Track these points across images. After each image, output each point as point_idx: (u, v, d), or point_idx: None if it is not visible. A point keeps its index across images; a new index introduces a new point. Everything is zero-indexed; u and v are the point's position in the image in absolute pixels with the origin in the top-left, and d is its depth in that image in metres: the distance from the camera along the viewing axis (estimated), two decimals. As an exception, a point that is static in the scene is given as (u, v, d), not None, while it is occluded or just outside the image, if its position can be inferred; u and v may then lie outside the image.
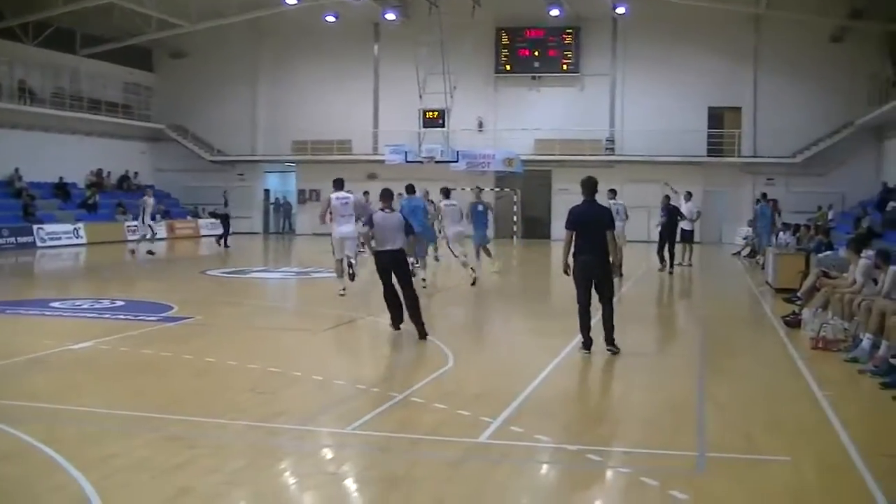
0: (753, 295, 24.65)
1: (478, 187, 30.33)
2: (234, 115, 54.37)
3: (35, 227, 41.17)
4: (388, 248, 15.96)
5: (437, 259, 30.05)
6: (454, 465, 8.61)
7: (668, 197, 31.90)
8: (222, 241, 41.78)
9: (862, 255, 15.80)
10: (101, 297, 21.19)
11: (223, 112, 54.29)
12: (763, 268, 28.92)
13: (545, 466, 8.92)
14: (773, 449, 9.26)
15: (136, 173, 53.45)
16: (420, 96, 44.78)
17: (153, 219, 38.01)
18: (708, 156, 47.99)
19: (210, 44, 52.70)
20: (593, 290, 14.24)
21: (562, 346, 14.77)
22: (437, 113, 45.99)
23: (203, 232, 50.48)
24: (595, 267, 14.10)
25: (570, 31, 49.83)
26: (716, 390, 12.08)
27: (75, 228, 43.18)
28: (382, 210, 16.28)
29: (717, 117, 48.56)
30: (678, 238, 31.10)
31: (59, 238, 41.97)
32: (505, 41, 50.70)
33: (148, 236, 36.81)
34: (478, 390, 11.69)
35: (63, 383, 12.15)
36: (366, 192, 28.67)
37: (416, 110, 46.35)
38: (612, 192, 27.69)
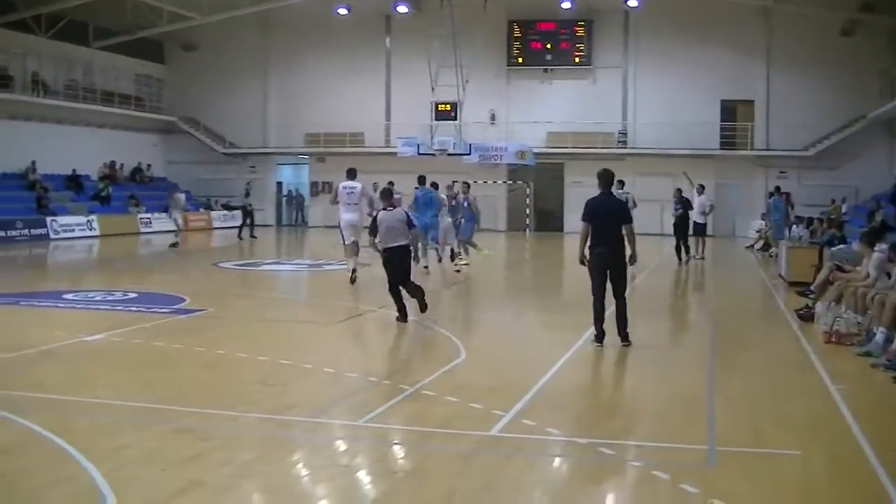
0: (766, 288, 24.60)
1: (465, 182, 30.11)
2: (246, 108, 54.38)
3: (48, 219, 41.25)
4: (392, 244, 16.63)
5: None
6: (466, 459, 8.61)
7: (680, 189, 31.88)
8: (243, 232, 42.02)
9: (875, 248, 15.73)
10: (114, 290, 21.20)
11: (235, 104, 54.30)
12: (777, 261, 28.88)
13: (557, 460, 8.91)
14: (785, 443, 9.24)
15: (148, 165, 53.56)
16: (432, 89, 44.69)
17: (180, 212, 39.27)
18: (720, 149, 47.87)
19: (221, 36, 52.76)
20: (608, 284, 14.22)
21: (574, 339, 14.75)
22: (449, 106, 45.92)
23: (216, 224, 50.47)
24: (610, 259, 14.09)
25: (582, 23, 49.71)
26: (727, 384, 12.05)
27: (88, 220, 43.24)
28: (384, 209, 16.94)
29: (729, 110, 48.41)
30: (691, 231, 31.10)
31: (73, 230, 42.04)
32: (517, 34, 50.59)
33: (175, 229, 37.99)
34: (490, 383, 11.67)
35: (75, 375, 12.17)
36: (375, 183, 28.73)
37: (428, 103, 46.24)
38: (620, 183, 27.74)
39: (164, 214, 46.78)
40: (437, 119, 46.55)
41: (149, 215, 46.97)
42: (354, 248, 22.62)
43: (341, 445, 9.26)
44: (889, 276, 15.02)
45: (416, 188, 27.50)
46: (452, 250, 27.68)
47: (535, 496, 7.88)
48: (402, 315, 16.60)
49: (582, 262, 14.36)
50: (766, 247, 35.82)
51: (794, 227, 30.44)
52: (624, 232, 14.13)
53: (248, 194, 43.54)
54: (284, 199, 56.74)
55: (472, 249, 28.73)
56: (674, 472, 8.07)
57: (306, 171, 55.70)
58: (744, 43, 47.47)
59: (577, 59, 49.99)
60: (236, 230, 42.88)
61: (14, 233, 38.92)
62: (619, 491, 8.05)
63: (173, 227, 38.18)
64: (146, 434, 9.19)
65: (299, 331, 16.83)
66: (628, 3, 47.36)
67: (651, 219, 40.94)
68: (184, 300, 19.50)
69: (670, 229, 31.95)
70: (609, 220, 14.11)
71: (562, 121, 49.00)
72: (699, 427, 9.93)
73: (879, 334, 13.53)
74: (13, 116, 44.25)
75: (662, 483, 7.90)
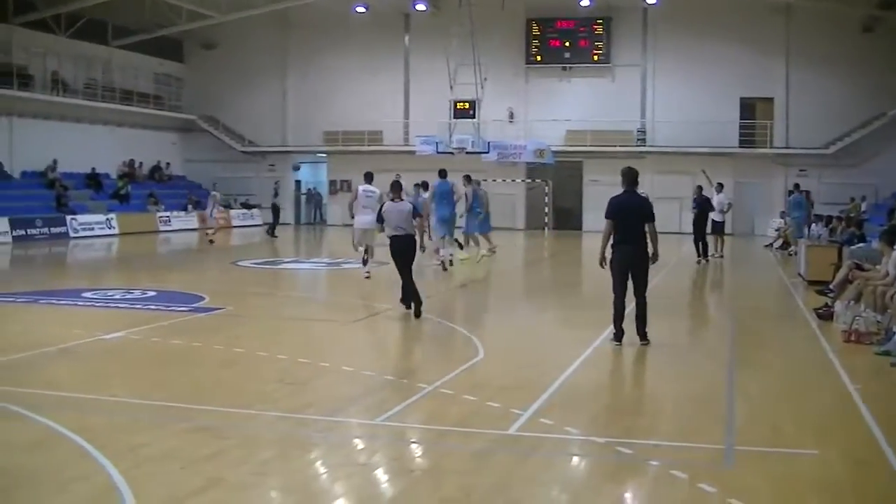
0: (785, 287, 24.52)
1: (466, 175, 30.26)
2: (265, 106, 54.47)
3: (68, 217, 41.40)
4: (396, 233, 17.20)
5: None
6: (483, 457, 8.60)
7: (700, 188, 31.85)
8: (276, 230, 42.40)
9: (895, 247, 15.67)
10: (133, 288, 21.28)
11: (254, 103, 54.42)
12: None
13: (574, 459, 8.89)
14: (803, 442, 9.22)
15: (167, 164, 53.71)
16: (451, 87, 44.61)
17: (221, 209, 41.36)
18: (739, 147, 47.71)
19: (240, 35, 52.86)
20: (629, 282, 14.21)
21: (592, 337, 14.73)
22: (467, 104, 45.88)
23: (235, 223, 50.55)
24: (633, 257, 14.11)
25: (600, 21, 49.60)
26: (746, 383, 12.03)
27: (108, 219, 43.38)
28: (392, 200, 17.50)
29: (749, 108, 48.22)
30: (709, 230, 31.09)
31: (92, 228, 42.16)
32: (536, 32, 50.51)
33: (213, 227, 39.65)
34: (507, 382, 11.67)
35: (93, 373, 12.23)
36: (398, 175, 28.97)
37: (446, 101, 46.17)
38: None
39: (182, 213, 47.30)
40: (455, 117, 46.49)
41: (167, 213, 47.18)
42: (368, 251, 23.23)
43: (359, 444, 9.26)
44: (909, 274, 14.96)
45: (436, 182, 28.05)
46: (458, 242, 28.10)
47: (552, 495, 7.86)
48: (406, 302, 17.38)
49: (601, 264, 14.35)
50: (786, 245, 35.70)
51: (814, 225, 30.36)
52: (647, 230, 14.13)
53: (276, 193, 44.31)
54: (303, 197, 56.77)
55: (474, 247, 28.79)
56: (691, 472, 8.06)
57: (324, 169, 55.74)
58: (763, 40, 47.27)
59: (595, 57, 49.89)
60: (265, 228, 42.97)
61: (34, 231, 39.07)
62: (637, 490, 8.02)
63: (216, 225, 39.94)
64: (164, 432, 9.22)
65: (318, 329, 16.86)
66: (647, 0, 47.23)
67: (670, 217, 40.78)
68: (203, 298, 19.56)
69: (689, 228, 31.92)
70: (633, 218, 14.12)
71: (580, 119, 48.91)
72: (717, 426, 9.91)
73: (899, 333, 13.49)
74: (33, 115, 44.50)
75: (680, 482, 7.89)
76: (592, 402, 11.06)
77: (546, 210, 50.85)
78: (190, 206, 49.17)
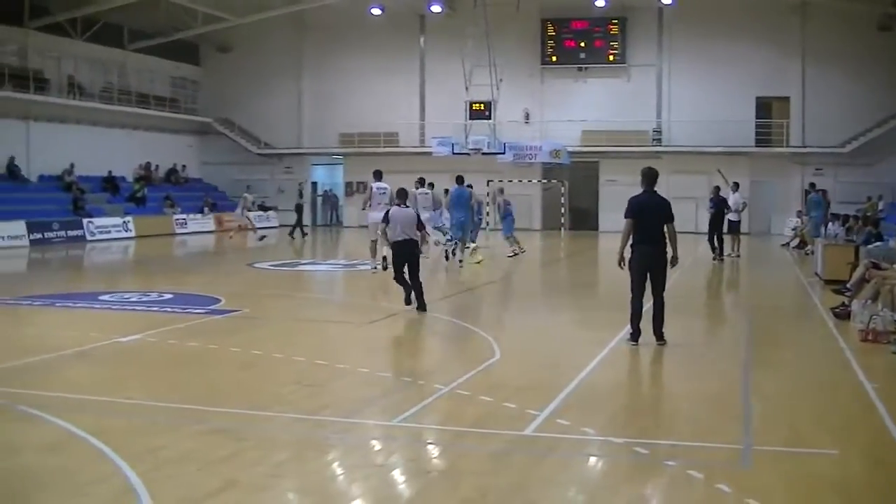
0: (802, 286, 24.45)
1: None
2: (281, 108, 54.59)
3: (85, 220, 41.49)
4: (401, 238, 17.68)
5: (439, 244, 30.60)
6: (499, 458, 8.60)
7: (717, 188, 31.84)
8: (297, 231, 42.54)
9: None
10: (150, 291, 21.32)
11: (269, 105, 54.53)
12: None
13: (591, 459, 8.88)
14: (821, 442, 9.19)
15: (183, 166, 53.83)
16: (466, 88, 44.55)
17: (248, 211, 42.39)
18: (756, 146, 47.59)
19: (256, 37, 52.95)
20: (647, 282, 14.21)
21: (609, 338, 14.72)
22: (483, 105, 45.93)
23: (238, 223, 50.52)
24: (652, 258, 14.13)
25: (615, 21, 49.55)
26: (763, 383, 12.00)
27: (124, 222, 43.48)
28: (398, 206, 18.15)
29: (765, 107, 48.10)
30: (726, 229, 31.08)
31: (109, 231, 42.26)
32: (551, 32, 50.46)
33: (250, 226, 41.32)
34: (524, 383, 11.67)
35: (110, 376, 12.26)
36: (421, 178, 29.32)
37: (462, 102, 46.22)
38: None
39: (199, 215, 47.39)
40: (471, 118, 46.54)
41: (184, 216, 47.26)
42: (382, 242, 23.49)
43: (375, 445, 9.27)
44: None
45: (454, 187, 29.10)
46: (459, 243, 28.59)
47: (569, 496, 7.87)
48: (409, 299, 17.74)
49: (620, 264, 14.34)
50: (802, 244, 35.62)
51: (830, 224, 30.26)
52: (666, 231, 14.13)
53: (301, 195, 44.84)
54: (319, 199, 56.83)
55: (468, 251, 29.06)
56: (708, 472, 8.04)
57: (340, 171, 55.81)
58: (779, 39, 47.15)
59: (611, 58, 49.84)
60: (291, 230, 43.07)
61: (51, 234, 39.15)
62: (654, 491, 8.00)
63: (248, 224, 41.82)
64: (181, 434, 9.24)
65: (334, 331, 16.88)
66: (662, 0, 47.19)
67: (686, 217, 40.67)
68: (219, 301, 19.59)
69: (705, 227, 31.89)
70: (653, 218, 14.16)
71: (596, 119, 48.85)
72: (734, 426, 9.89)
73: (916, 332, 13.45)
74: (50, 119, 44.63)
75: (697, 483, 7.87)
76: (609, 403, 11.04)
77: (562, 210, 50.77)
78: (206, 209, 49.28)
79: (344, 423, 9.83)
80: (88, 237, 40.79)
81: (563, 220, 50.58)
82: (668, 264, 14.32)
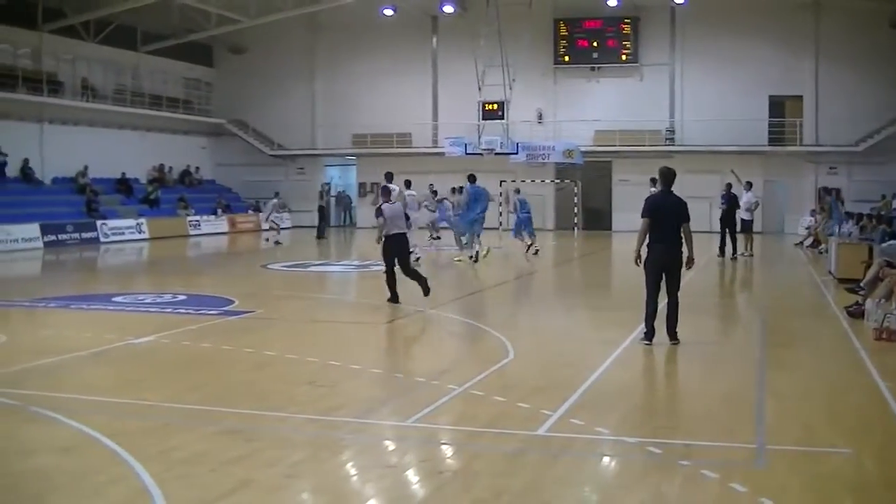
0: (816, 285, 24.39)
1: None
2: (294, 110, 54.65)
3: (98, 222, 41.58)
4: (395, 232, 18.95)
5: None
6: (513, 458, 8.59)
7: (729, 185, 31.82)
8: (325, 231, 43.06)
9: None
10: (163, 292, 21.39)
11: (283, 106, 54.59)
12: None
13: (605, 459, 8.87)
14: (835, 441, 9.17)
15: (197, 168, 53.90)
16: (479, 88, 44.51)
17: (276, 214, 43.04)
18: (769, 145, 47.49)
19: (269, 39, 52.99)
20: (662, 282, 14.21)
21: (622, 338, 14.70)
22: (496, 105, 45.77)
23: (264, 226, 50.61)
24: (667, 257, 14.13)
25: (628, 21, 49.52)
26: (776, 382, 11.98)
27: (138, 224, 43.59)
28: (387, 202, 19.37)
29: (778, 106, 47.98)
30: (738, 228, 31.06)
31: (122, 233, 42.37)
32: (563, 32, 50.44)
33: (274, 229, 40.75)
34: (537, 383, 11.67)
35: (124, 377, 12.29)
36: (407, 181, 29.47)
37: (475, 102, 46.10)
38: (653, 181, 27.74)
39: (212, 216, 47.48)
40: (484, 119, 46.42)
41: (197, 217, 47.37)
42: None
43: (389, 445, 9.28)
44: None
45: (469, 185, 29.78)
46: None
47: (583, 496, 7.87)
48: (394, 298, 18.82)
49: (636, 262, 14.34)
50: (816, 243, 35.56)
51: (844, 223, 30.19)
52: (682, 231, 14.12)
53: (321, 196, 45.19)
54: (333, 199, 56.84)
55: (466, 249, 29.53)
56: (723, 471, 8.03)
57: (353, 172, 55.83)
58: (791, 37, 47.04)
59: (623, 57, 49.80)
60: (316, 231, 43.15)
61: (65, 236, 39.25)
62: (668, 490, 7.97)
63: (271, 227, 41.53)
64: (195, 435, 9.26)
65: (347, 331, 16.90)
66: (674, -1, 47.23)
67: (699, 216, 40.20)
68: (232, 302, 19.63)
69: (718, 226, 31.85)
70: (669, 218, 14.17)
71: (609, 119, 48.83)
72: (748, 425, 9.87)
73: (930, 331, 13.40)
74: (63, 121, 44.78)
75: (711, 482, 7.86)
76: (622, 403, 11.02)
77: (575, 210, 50.66)
78: (220, 210, 49.38)
79: (357, 423, 9.83)
80: (102, 239, 40.88)
81: (576, 220, 50.39)
82: (686, 268, 14.31)
